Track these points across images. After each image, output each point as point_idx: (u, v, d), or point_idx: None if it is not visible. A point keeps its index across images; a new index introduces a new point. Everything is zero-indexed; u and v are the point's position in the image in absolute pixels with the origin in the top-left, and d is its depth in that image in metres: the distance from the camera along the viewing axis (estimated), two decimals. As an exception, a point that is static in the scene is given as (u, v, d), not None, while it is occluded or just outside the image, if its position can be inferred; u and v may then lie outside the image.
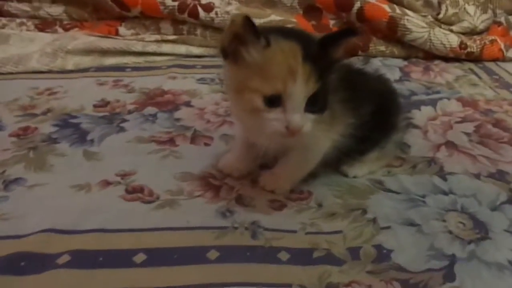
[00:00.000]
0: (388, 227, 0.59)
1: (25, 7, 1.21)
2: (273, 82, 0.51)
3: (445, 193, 0.66)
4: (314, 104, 0.54)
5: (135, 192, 0.64)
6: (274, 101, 0.52)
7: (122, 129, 0.80)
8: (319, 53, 0.53)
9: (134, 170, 0.69)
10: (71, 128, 0.80)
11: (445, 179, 0.70)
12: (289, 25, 1.14)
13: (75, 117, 0.84)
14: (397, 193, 0.67)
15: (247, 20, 0.50)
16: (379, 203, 0.64)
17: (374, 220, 0.61)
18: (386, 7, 1.16)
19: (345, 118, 0.63)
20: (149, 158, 0.72)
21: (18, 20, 1.20)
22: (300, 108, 0.53)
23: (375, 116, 0.65)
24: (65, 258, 0.52)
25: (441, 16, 1.22)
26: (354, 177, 0.70)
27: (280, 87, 0.51)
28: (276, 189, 0.66)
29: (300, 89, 0.51)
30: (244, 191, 0.66)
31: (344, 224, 0.60)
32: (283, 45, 0.52)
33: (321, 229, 0.59)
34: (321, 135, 0.60)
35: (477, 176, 0.71)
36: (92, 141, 0.76)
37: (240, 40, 0.52)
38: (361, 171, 0.70)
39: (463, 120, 0.88)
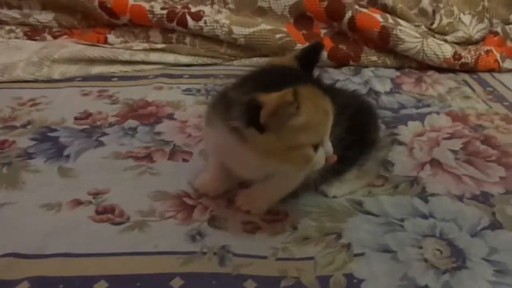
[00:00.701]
0: (362, 254, 0.58)
1: (15, 14, 1.21)
2: (320, 129, 0.54)
3: (424, 217, 0.64)
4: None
5: (106, 213, 0.63)
6: (317, 144, 0.55)
7: (100, 144, 0.79)
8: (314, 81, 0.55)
9: (108, 189, 0.67)
10: (49, 142, 0.79)
11: (426, 201, 0.68)
12: (278, 35, 1.12)
13: (54, 130, 0.83)
14: (376, 215, 0.65)
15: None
16: (356, 227, 0.62)
17: (348, 246, 0.59)
18: (378, 16, 1.14)
19: None
20: (124, 175, 0.71)
21: (7, 27, 1.19)
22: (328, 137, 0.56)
23: (350, 133, 0.63)
24: (24, 286, 0.51)
25: (435, 26, 1.20)
26: (334, 197, 0.68)
27: (323, 132, 0.55)
28: (252, 210, 0.64)
29: (330, 122, 0.55)
30: (218, 212, 0.64)
31: (316, 250, 0.58)
32: (307, 94, 0.52)
33: (293, 254, 0.57)
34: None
35: (460, 198, 0.68)
36: (68, 156, 0.75)
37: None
38: (341, 191, 0.69)
39: (452, 136, 0.86)
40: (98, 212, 0.63)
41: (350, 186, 0.69)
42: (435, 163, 0.77)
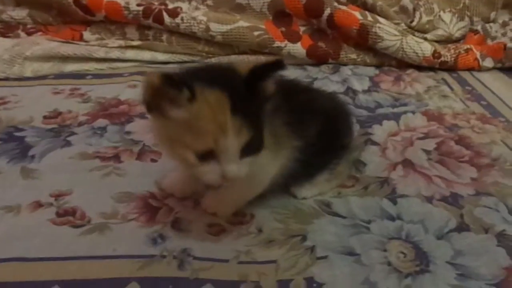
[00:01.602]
0: (325, 257, 0.57)
1: (-14, 10, 1.18)
2: (203, 138, 0.49)
3: (392, 219, 0.64)
4: (250, 148, 0.51)
5: (66, 215, 0.61)
6: (207, 155, 0.50)
7: (68, 143, 0.77)
8: (248, 96, 0.50)
9: (70, 190, 0.66)
10: (14, 142, 0.77)
11: (395, 203, 0.67)
12: (256, 32, 1.11)
13: (21, 129, 0.81)
14: (343, 217, 0.64)
15: (166, 79, 0.47)
16: (322, 229, 0.61)
17: (312, 249, 0.58)
18: (357, 14, 1.13)
19: (290, 141, 0.60)
20: (89, 176, 0.69)
21: (-21, 24, 1.17)
22: (235, 159, 0.50)
23: (323, 137, 0.63)
24: (-26, 292, 0.49)
25: (414, 23, 1.19)
26: (303, 198, 0.67)
27: (211, 144, 0.49)
28: (218, 212, 0.63)
29: (232, 143, 0.49)
30: (183, 214, 0.63)
31: (280, 253, 0.57)
32: (209, 97, 0.49)
33: (255, 258, 0.56)
34: (266, 162, 0.58)
35: (430, 199, 0.68)
36: (32, 157, 0.73)
37: (161, 96, 0.48)
38: (311, 192, 0.68)
39: (426, 136, 0.85)
40: (58, 215, 0.62)
41: (320, 187, 0.68)
42: (407, 163, 0.76)
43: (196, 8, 1.16)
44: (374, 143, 0.82)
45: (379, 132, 0.85)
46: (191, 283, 0.52)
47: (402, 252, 0.58)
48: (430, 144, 0.82)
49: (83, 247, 0.56)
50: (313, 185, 0.68)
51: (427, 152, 0.80)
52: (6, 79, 1.00)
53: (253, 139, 0.51)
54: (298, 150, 0.60)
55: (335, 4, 1.13)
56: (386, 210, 0.65)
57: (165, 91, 0.48)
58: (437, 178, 0.73)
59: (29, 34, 1.16)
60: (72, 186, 0.67)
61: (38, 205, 0.63)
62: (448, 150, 0.80)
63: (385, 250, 0.58)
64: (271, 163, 0.59)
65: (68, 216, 0.61)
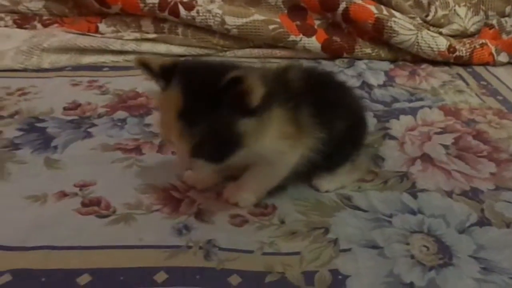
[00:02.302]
0: (349, 250, 0.57)
1: (4, 1, 1.18)
2: (160, 129, 0.55)
3: (413, 213, 0.64)
4: (201, 152, 0.52)
5: (91, 205, 0.62)
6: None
7: (88, 135, 0.78)
8: (216, 102, 0.50)
9: (94, 181, 0.67)
10: (36, 133, 0.78)
11: (415, 197, 0.67)
12: (272, 26, 1.11)
13: (42, 120, 0.82)
14: (364, 211, 0.64)
15: (139, 63, 0.55)
16: (344, 222, 0.62)
17: (335, 241, 0.59)
18: (372, 8, 1.12)
19: (315, 132, 0.60)
20: (112, 168, 0.70)
21: (-4, 15, 1.17)
22: (183, 156, 0.53)
23: (347, 132, 0.64)
24: (6, 278, 0.50)
25: (429, 18, 1.19)
26: (326, 191, 0.68)
27: (164, 136, 0.56)
28: (240, 202, 0.64)
29: (176, 143, 0.52)
30: (205, 205, 0.64)
31: (303, 245, 0.58)
32: (169, 94, 0.53)
33: (279, 249, 0.57)
34: (287, 150, 0.59)
35: (450, 194, 0.68)
36: (55, 147, 0.74)
37: None
38: (333, 185, 0.68)
39: (443, 131, 0.85)
40: (84, 205, 0.62)
41: (341, 180, 0.69)
42: (426, 158, 0.77)
43: (211, 1, 1.16)
44: (392, 137, 0.82)
45: (396, 126, 0.85)
46: (218, 273, 0.53)
47: (425, 246, 0.58)
48: (448, 139, 0.82)
49: (110, 236, 0.57)
50: (334, 178, 0.68)
51: (445, 146, 0.80)
52: (25, 70, 1.00)
53: (203, 145, 0.51)
54: (322, 141, 0.61)
55: (351, -3, 1.13)
56: (407, 204, 0.66)
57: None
58: (456, 173, 0.73)
59: (45, 25, 1.16)
60: (95, 177, 0.67)
61: (63, 194, 0.64)
62: (466, 145, 0.81)
63: (407, 244, 0.58)
64: (291, 152, 0.59)
65: (94, 206, 0.62)
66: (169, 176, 0.69)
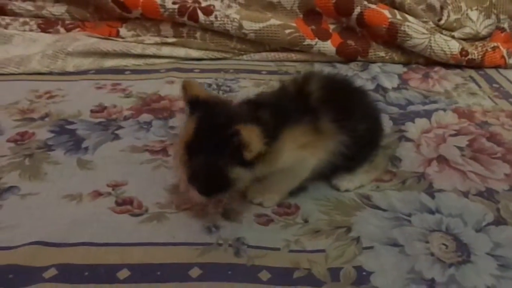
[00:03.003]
0: (371, 247, 0.60)
1: (28, 6, 1.22)
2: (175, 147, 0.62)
3: (431, 212, 0.67)
4: (195, 183, 0.58)
5: (125, 204, 0.65)
6: None
7: (117, 137, 0.81)
8: (207, 143, 0.55)
9: (126, 181, 0.70)
10: (67, 134, 0.81)
11: (433, 197, 0.70)
12: (288, 30, 1.14)
13: (71, 123, 0.85)
14: (384, 210, 0.67)
15: (182, 85, 0.61)
16: (365, 221, 0.65)
17: (357, 239, 0.61)
18: (386, 12, 1.15)
19: (337, 136, 0.64)
20: (141, 169, 0.73)
21: (21, 20, 1.21)
22: (183, 179, 0.58)
23: (368, 134, 0.68)
24: (52, 272, 0.53)
25: (442, 22, 1.21)
26: (346, 190, 0.71)
27: (174, 155, 0.62)
28: (264, 202, 0.67)
29: (179, 165, 0.58)
30: (231, 205, 0.67)
31: (327, 243, 0.61)
32: (189, 122, 0.59)
33: (304, 247, 0.60)
34: (307, 156, 0.62)
35: (466, 194, 0.71)
36: (86, 149, 0.77)
37: None
38: (353, 184, 0.71)
39: (458, 133, 0.88)
40: (117, 204, 0.66)
41: (361, 179, 0.72)
42: (441, 159, 0.79)
43: (228, 6, 1.19)
44: (408, 139, 0.85)
45: (412, 129, 0.88)
46: (248, 269, 0.56)
47: (444, 244, 0.61)
48: (463, 141, 0.85)
49: (144, 234, 0.60)
50: (354, 177, 0.71)
51: (460, 148, 0.83)
52: (50, 73, 1.04)
53: (196, 177, 0.57)
54: (343, 144, 0.64)
55: (365, 2, 1.15)
56: (425, 204, 0.68)
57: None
58: (472, 174, 0.75)
59: (67, 30, 1.20)
60: (126, 177, 0.71)
61: (98, 194, 0.67)
62: (481, 147, 0.83)
63: (427, 242, 0.61)
64: (311, 157, 0.63)
65: (127, 205, 0.65)
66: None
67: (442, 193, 0.71)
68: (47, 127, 0.83)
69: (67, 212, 0.63)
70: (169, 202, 0.66)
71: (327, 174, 0.68)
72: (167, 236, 0.60)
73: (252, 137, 0.53)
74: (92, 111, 0.89)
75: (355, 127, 0.65)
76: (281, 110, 0.61)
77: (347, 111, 0.65)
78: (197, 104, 0.60)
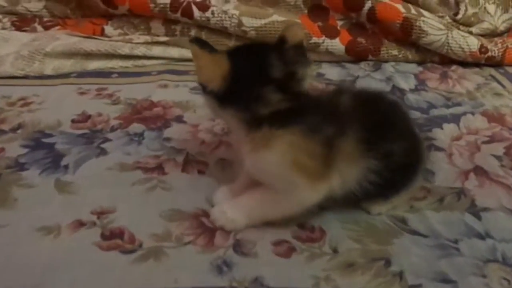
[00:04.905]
0: (419, 285, 0.49)
1: (1, 1, 1.09)
2: None
3: (481, 237, 0.56)
4: None
5: (113, 238, 0.54)
6: None
7: (103, 152, 0.69)
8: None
9: (114, 207, 0.58)
10: (43, 150, 0.69)
11: (479, 218, 0.60)
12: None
13: (49, 135, 0.73)
14: (425, 236, 0.57)
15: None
16: (405, 251, 0.54)
17: (400, 275, 0.51)
18: (400, 7, 1.05)
19: (363, 161, 0.53)
20: (132, 191, 0.62)
21: (-8, 17, 1.08)
22: None
23: (403, 155, 0.56)
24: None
25: (460, 16, 1.11)
26: (378, 214, 0.60)
27: None
28: (226, 225, 0.55)
29: None
30: (243, 234, 0.55)
31: (365, 280, 0.50)
32: None
33: (338, 286, 0.49)
34: (303, 184, 0.51)
35: (515, 213, 0.61)
36: (66, 167, 0.65)
37: None
38: (385, 207, 0.60)
39: (491, 139, 0.78)
40: (104, 237, 0.54)
41: (394, 200, 0.60)
42: (479, 171, 0.69)
43: (226, 1, 1.07)
44: (438, 148, 0.74)
45: (441, 136, 0.78)
46: (272, 321, 0.45)
47: (505, 278, 0.50)
48: (499, 149, 0.75)
49: (139, 277, 0.49)
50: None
51: (497, 157, 0.73)
52: (26, 77, 0.91)
53: None
54: (373, 171, 0.53)
55: (377, -4, 1.05)
56: (471, 227, 0.58)
57: None
58: (517, 188, 0.65)
59: (46, 28, 1.07)
60: (115, 202, 0.59)
61: (80, 224, 0.55)
62: (520, 155, 0.73)
63: (483, 276, 0.51)
64: (310, 189, 0.51)
65: (116, 238, 0.54)
66: (198, 199, 0.61)
67: (488, 212, 0.61)
68: (19, 141, 0.71)
69: (42, 251, 0.51)
70: (168, 232, 0.55)
71: (353, 201, 0.56)
72: (168, 279, 0.48)
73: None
74: (73, 121, 0.77)
75: (388, 148, 0.54)
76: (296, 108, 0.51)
77: (379, 129, 0.54)
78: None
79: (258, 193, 0.54)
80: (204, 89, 0.53)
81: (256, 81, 0.51)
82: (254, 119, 0.51)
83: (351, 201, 0.57)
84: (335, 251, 0.54)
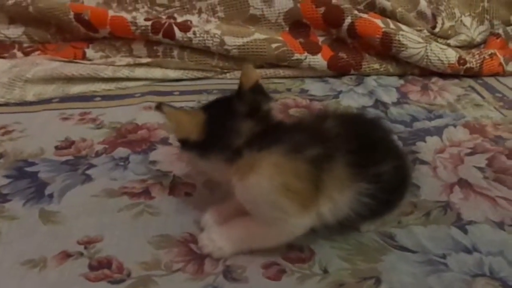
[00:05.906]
0: (409, 304, 0.49)
1: (-22, 28, 1.08)
2: None
3: (468, 251, 0.57)
4: None
5: (101, 268, 0.53)
6: None
7: (88, 178, 0.69)
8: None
9: (101, 235, 0.57)
10: (26, 179, 0.68)
11: (465, 231, 0.60)
12: (274, 45, 1.04)
13: (32, 164, 0.72)
14: (413, 252, 0.57)
15: None
16: (394, 268, 0.54)
17: (391, 294, 0.51)
18: (379, 22, 1.07)
19: (354, 185, 0.52)
20: (119, 218, 0.61)
21: (-29, 44, 1.06)
22: None
23: (393, 176, 0.56)
24: None
25: (437, 29, 1.14)
26: (367, 231, 0.60)
27: None
28: (214, 253, 0.55)
29: None
30: (232, 260, 0.55)
31: (356, 301, 0.50)
32: None
33: (329, 308, 0.49)
34: (293, 211, 0.50)
35: (500, 225, 0.61)
36: (51, 196, 0.64)
37: None
38: (374, 225, 0.60)
39: (473, 151, 0.79)
40: (92, 268, 0.53)
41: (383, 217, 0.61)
42: (463, 183, 0.70)
43: (207, 21, 1.08)
44: (423, 162, 0.75)
45: (424, 149, 0.79)
46: None
47: (493, 293, 0.51)
48: (481, 160, 0.76)
49: (128, 309, 0.48)
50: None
51: (480, 169, 0.74)
52: (6, 104, 0.90)
53: None
54: (364, 193, 0.53)
55: (356, 12, 1.07)
56: (458, 241, 0.59)
57: None
58: (501, 200, 0.66)
59: (26, 54, 1.06)
60: (102, 231, 0.58)
61: (66, 255, 0.54)
62: (502, 166, 0.75)
63: (472, 291, 0.51)
64: (301, 213, 0.51)
65: (104, 268, 0.53)
66: (186, 222, 0.60)
67: (474, 225, 0.61)
68: (1, 171, 0.69)
69: (27, 285, 0.50)
70: (157, 260, 0.54)
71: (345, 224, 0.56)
72: (158, 309, 0.48)
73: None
74: (57, 147, 0.76)
75: (377, 170, 0.54)
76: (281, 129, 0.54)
77: (366, 152, 0.54)
78: None
79: (248, 222, 0.54)
80: (184, 144, 0.55)
81: (228, 120, 0.54)
82: (234, 152, 0.51)
83: (343, 224, 0.57)
84: (325, 271, 0.54)
